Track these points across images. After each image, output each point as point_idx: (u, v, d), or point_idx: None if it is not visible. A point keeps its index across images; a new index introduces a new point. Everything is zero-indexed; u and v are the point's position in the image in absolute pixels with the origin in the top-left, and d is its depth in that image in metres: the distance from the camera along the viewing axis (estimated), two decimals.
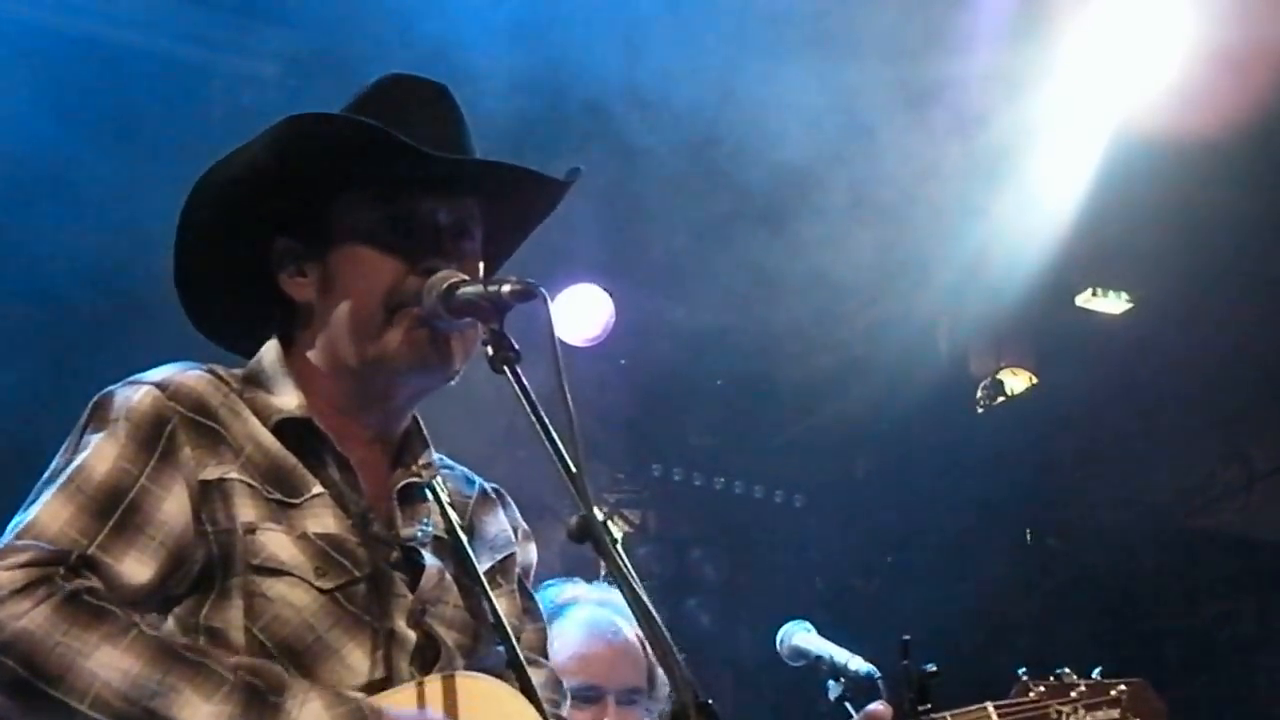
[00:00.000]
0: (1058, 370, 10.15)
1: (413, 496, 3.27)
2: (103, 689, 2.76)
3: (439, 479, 3.36)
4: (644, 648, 4.90)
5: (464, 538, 3.29)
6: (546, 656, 3.46)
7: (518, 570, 3.45)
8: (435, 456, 3.36)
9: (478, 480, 3.49)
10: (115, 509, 2.94)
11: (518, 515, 3.50)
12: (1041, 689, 3.55)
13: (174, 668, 2.80)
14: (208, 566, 3.01)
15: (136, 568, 2.93)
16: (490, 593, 3.26)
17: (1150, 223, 8.67)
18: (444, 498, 3.32)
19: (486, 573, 3.32)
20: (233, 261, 3.28)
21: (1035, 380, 10.28)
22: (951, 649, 9.90)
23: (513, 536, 3.46)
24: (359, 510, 3.14)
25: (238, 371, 3.23)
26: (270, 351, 3.25)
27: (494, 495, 3.49)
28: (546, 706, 3.31)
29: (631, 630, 4.85)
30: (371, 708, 2.90)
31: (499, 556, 3.40)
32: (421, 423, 3.36)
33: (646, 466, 10.21)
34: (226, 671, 2.83)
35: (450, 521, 3.29)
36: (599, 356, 8.89)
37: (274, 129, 3.18)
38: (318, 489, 3.12)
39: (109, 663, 2.77)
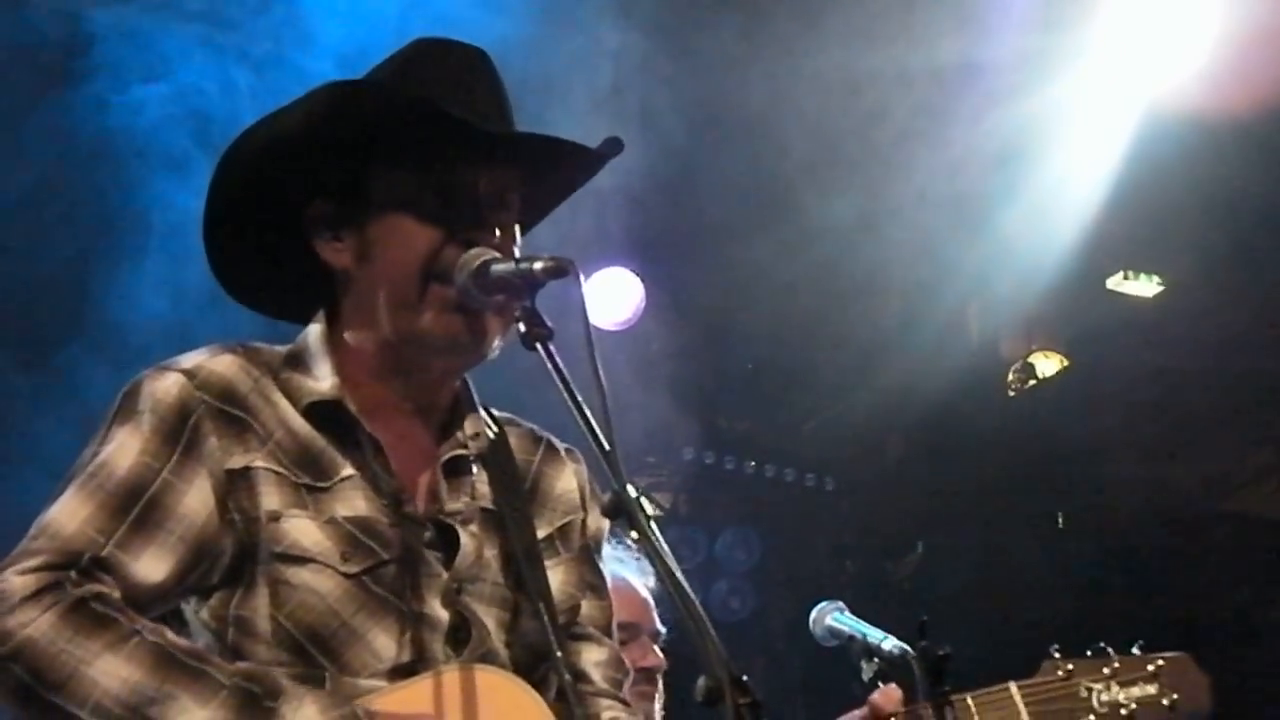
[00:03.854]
0: (1089, 353, 10.13)
1: (459, 469, 3.22)
2: (103, 696, 2.79)
3: (507, 437, 3.33)
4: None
5: (516, 508, 3.23)
6: (610, 633, 3.38)
7: (584, 538, 3.38)
8: (488, 421, 3.30)
9: (545, 437, 3.43)
10: (135, 505, 2.95)
11: (587, 476, 3.41)
12: (1070, 666, 3.43)
13: (171, 674, 2.82)
14: (237, 556, 3.01)
15: (153, 565, 2.94)
16: (544, 563, 3.21)
17: (1182, 205, 8.64)
18: (496, 465, 3.26)
19: (544, 539, 3.28)
20: (266, 225, 3.25)
21: (1067, 363, 10.24)
22: (983, 633, 9.92)
23: (578, 500, 3.39)
24: (390, 490, 3.11)
25: (281, 350, 3.21)
26: (315, 327, 3.23)
27: (563, 453, 3.42)
28: (602, 687, 3.29)
29: (643, 585, 4.88)
30: (367, 710, 2.87)
31: (560, 522, 3.34)
32: (472, 387, 3.31)
33: (677, 450, 10.20)
34: (224, 677, 2.84)
35: (502, 491, 3.24)
36: (630, 340, 8.87)
37: (318, 95, 3.14)
38: (348, 471, 3.09)
39: (110, 670, 2.80)
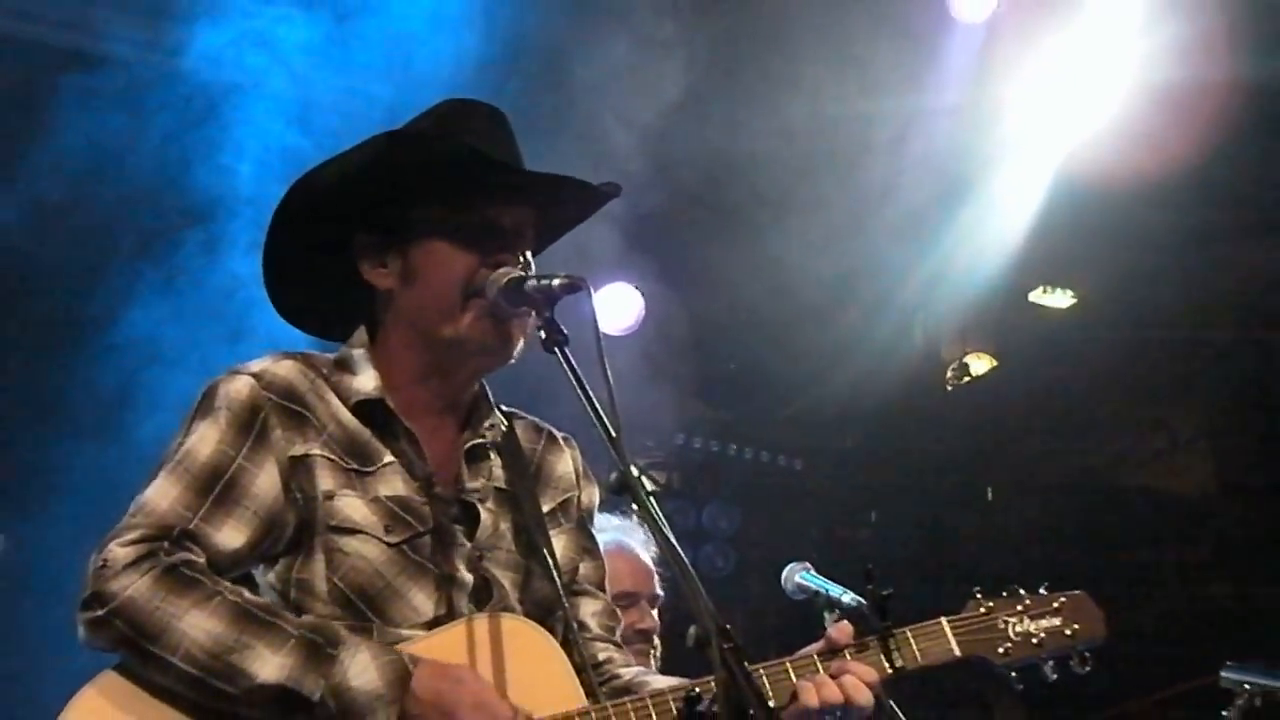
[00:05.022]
0: (1015, 354, 10.12)
1: (477, 455, 3.24)
2: (191, 645, 2.82)
3: (515, 428, 3.34)
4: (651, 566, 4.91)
5: (524, 487, 3.25)
6: (604, 588, 3.40)
7: (580, 511, 3.40)
8: (500, 416, 3.32)
9: (547, 428, 3.44)
10: (216, 486, 2.99)
11: (580, 459, 3.44)
12: (990, 604, 3.39)
13: (249, 627, 2.85)
14: (298, 529, 3.03)
15: (232, 535, 2.98)
16: (549, 533, 3.23)
17: (1093, 231, 8.67)
18: (508, 452, 3.27)
19: (549, 513, 3.29)
20: (317, 254, 3.25)
21: (996, 363, 10.23)
22: (925, 588, 9.91)
23: (574, 479, 3.40)
24: (424, 475, 3.13)
25: (330, 356, 3.23)
26: (358, 339, 3.24)
27: (561, 440, 3.44)
28: (598, 633, 3.32)
29: (646, 554, 4.85)
30: (411, 656, 2.89)
31: (560, 498, 3.36)
32: (488, 389, 3.32)
33: (671, 435, 10.18)
34: (292, 629, 2.87)
35: (512, 474, 3.25)
36: (631, 344, 8.86)
37: (376, 143, 3.17)
38: (388, 458, 3.12)
39: (197, 624, 2.83)
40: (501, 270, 3.09)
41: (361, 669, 2.84)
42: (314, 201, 3.20)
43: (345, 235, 3.23)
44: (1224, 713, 5.34)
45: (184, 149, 6.96)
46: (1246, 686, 5.35)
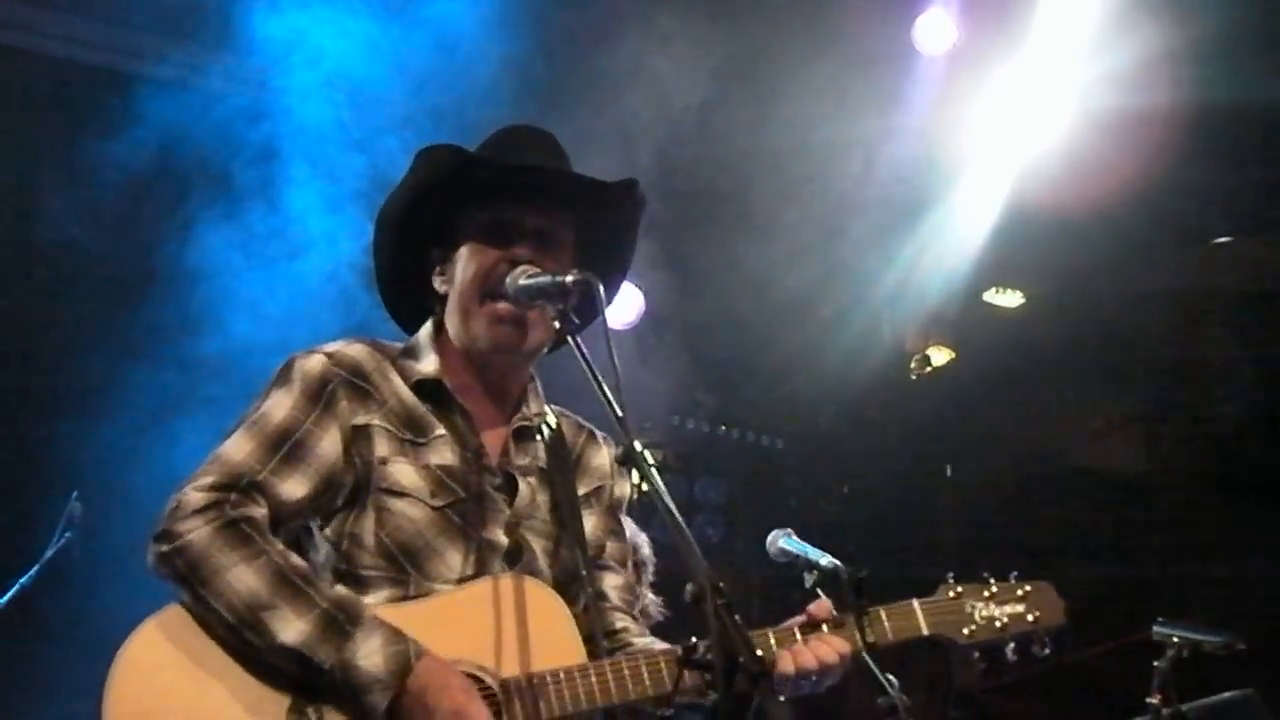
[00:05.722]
0: (971, 347, 10.09)
1: (525, 436, 3.23)
2: (233, 595, 2.82)
3: (560, 422, 3.32)
4: None
5: (563, 471, 3.23)
6: (626, 566, 3.38)
7: (611, 499, 3.38)
8: (548, 409, 3.32)
9: (589, 426, 3.43)
10: (285, 444, 2.99)
11: (614, 455, 3.40)
12: (960, 589, 3.28)
13: (282, 591, 2.83)
14: (354, 488, 3.03)
15: (295, 487, 2.97)
16: (581, 512, 3.20)
17: (1040, 239, 8.68)
18: (552, 439, 3.26)
19: (583, 496, 3.27)
20: (406, 270, 3.29)
21: (954, 355, 10.21)
22: (891, 552, 9.89)
23: (609, 471, 3.38)
24: (472, 447, 3.12)
25: (400, 344, 3.24)
26: (425, 330, 3.26)
27: (600, 439, 3.43)
28: (616, 604, 3.29)
29: None
30: (418, 650, 2.84)
31: (594, 485, 3.34)
32: (537, 380, 3.32)
33: (667, 417, 10.16)
34: (320, 600, 2.85)
35: (554, 455, 3.24)
36: (633, 336, 8.84)
37: (414, 160, 3.21)
38: (440, 431, 3.10)
39: (241, 578, 2.83)
40: (520, 269, 3.07)
41: (370, 652, 2.82)
42: (394, 227, 3.24)
43: (424, 252, 3.27)
44: (1155, 663, 5.31)
45: (242, 111, 7.21)
46: (1175, 640, 5.32)
